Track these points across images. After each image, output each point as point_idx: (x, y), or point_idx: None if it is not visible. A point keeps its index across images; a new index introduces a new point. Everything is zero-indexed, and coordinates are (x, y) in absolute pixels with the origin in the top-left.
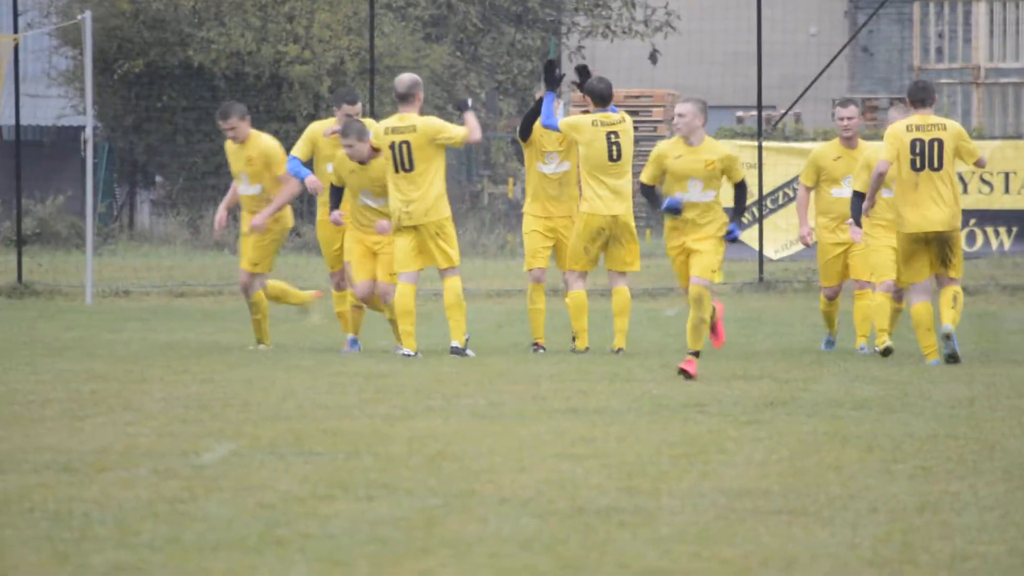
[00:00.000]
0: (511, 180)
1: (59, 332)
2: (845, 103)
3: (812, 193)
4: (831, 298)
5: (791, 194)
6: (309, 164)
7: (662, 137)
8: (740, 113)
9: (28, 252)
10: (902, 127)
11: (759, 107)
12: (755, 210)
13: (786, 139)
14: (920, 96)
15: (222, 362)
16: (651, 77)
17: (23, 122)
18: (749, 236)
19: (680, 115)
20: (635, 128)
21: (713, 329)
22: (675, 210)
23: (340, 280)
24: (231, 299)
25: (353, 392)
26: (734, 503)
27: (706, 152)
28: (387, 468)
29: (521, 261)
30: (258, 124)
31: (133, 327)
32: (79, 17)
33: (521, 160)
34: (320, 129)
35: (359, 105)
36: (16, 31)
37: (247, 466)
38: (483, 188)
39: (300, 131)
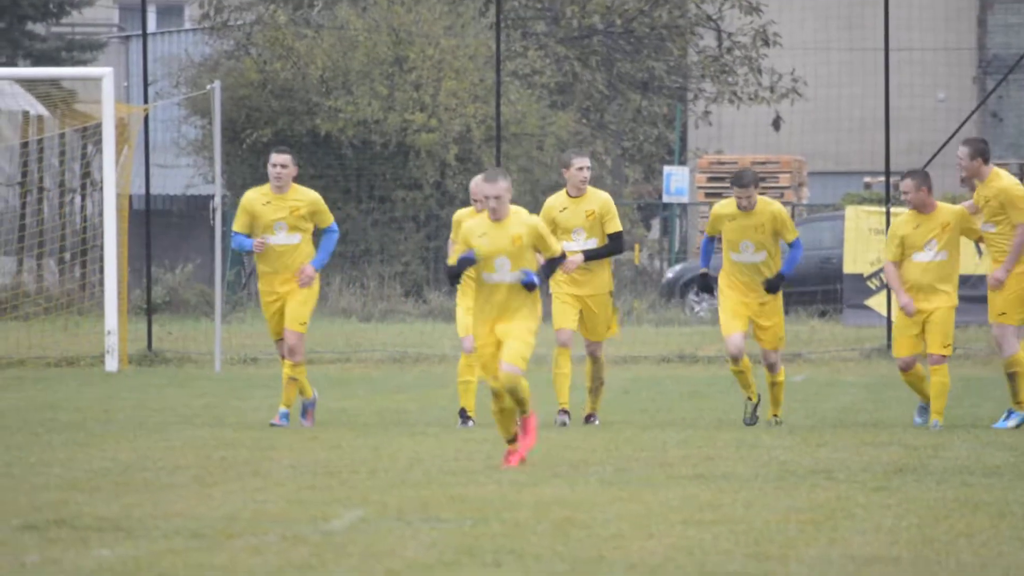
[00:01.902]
0: (637, 246)
1: (189, 399)
2: (904, 176)
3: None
4: (905, 369)
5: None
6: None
7: (789, 204)
8: (868, 179)
9: (158, 320)
10: None
11: (887, 173)
12: (883, 276)
13: None
14: None
15: (349, 429)
16: (777, 143)
17: (153, 191)
18: (877, 302)
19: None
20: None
21: (524, 428)
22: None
23: (284, 349)
24: (358, 366)
25: (480, 458)
26: (863, 570)
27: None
28: (514, 534)
29: (648, 328)
30: (384, 191)
31: (261, 394)
32: (208, 87)
33: (647, 227)
34: (254, 199)
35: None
36: (146, 101)
37: (375, 533)
38: None
39: (427, 199)
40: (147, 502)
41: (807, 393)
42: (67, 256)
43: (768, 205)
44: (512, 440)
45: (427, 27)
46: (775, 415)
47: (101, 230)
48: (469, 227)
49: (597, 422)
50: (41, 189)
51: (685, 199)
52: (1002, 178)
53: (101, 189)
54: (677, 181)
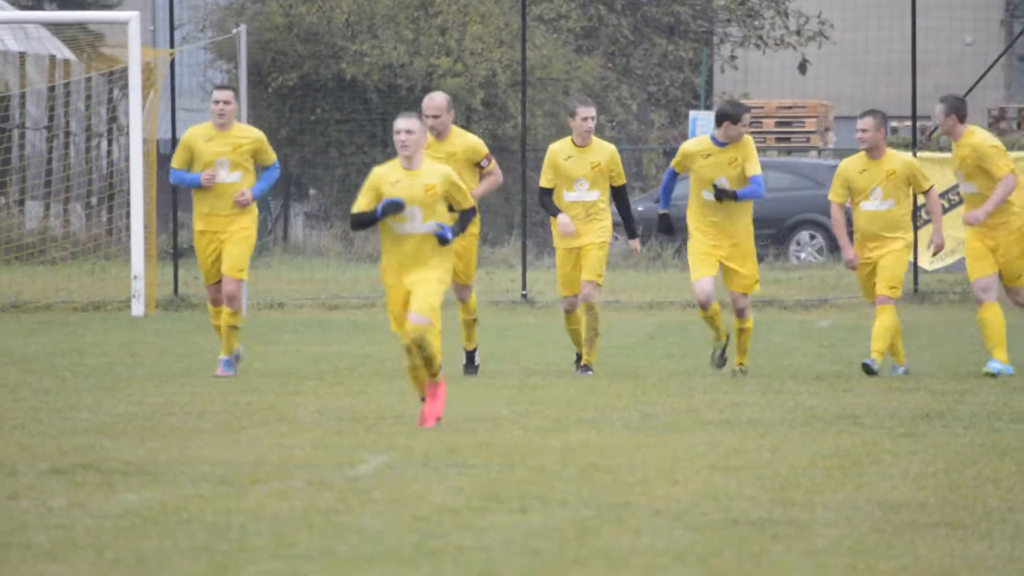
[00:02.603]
0: None
1: (215, 345)
2: (864, 114)
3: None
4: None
5: (946, 205)
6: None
7: (815, 148)
8: (895, 123)
9: (184, 265)
10: None
11: (913, 117)
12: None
13: (940, 149)
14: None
15: (375, 374)
16: (803, 88)
17: (179, 136)
18: None
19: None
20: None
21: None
22: (395, 206)
23: (216, 294)
24: (383, 311)
25: (505, 404)
26: (890, 516)
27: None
28: (540, 480)
29: (674, 272)
30: None
31: (287, 340)
32: (234, 31)
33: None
34: (195, 134)
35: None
36: (172, 45)
37: (401, 478)
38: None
39: None
40: (173, 447)
41: (833, 338)
42: (94, 201)
43: (746, 140)
44: (424, 398)
45: None
46: (741, 364)
47: (127, 175)
48: (380, 174)
49: (591, 372)
50: (68, 133)
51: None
52: (976, 134)
53: (127, 134)
54: (703, 126)
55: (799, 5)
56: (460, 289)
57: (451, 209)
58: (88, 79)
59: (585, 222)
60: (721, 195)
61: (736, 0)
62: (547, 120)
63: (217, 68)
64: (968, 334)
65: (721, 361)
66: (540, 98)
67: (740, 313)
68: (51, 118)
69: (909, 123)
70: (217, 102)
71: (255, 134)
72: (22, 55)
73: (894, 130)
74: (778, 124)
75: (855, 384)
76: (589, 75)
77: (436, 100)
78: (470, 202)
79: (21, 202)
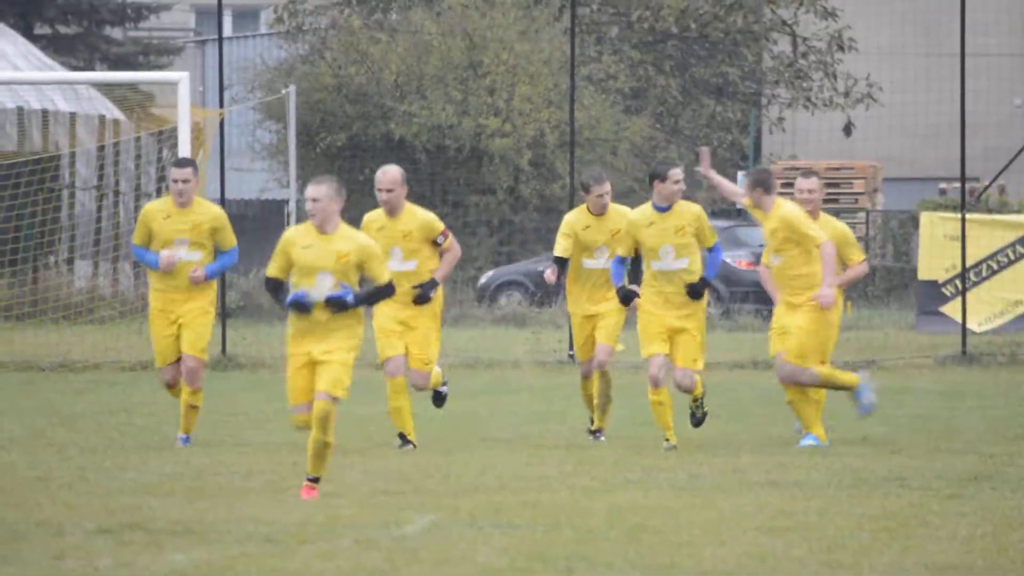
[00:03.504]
0: None
1: (262, 404)
2: (807, 174)
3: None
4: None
5: (995, 267)
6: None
7: (863, 210)
8: (943, 185)
9: (232, 325)
10: None
11: (962, 179)
12: (958, 282)
13: (989, 211)
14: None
15: (422, 433)
16: (851, 149)
17: (228, 195)
18: (952, 308)
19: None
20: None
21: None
22: (302, 306)
23: (168, 376)
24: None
25: (552, 464)
26: None
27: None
28: (587, 540)
29: (720, 333)
30: (458, 196)
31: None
32: (283, 91)
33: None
34: (154, 211)
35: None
36: (222, 105)
37: (447, 538)
38: None
39: (500, 204)
40: (220, 507)
41: (881, 400)
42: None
43: (688, 206)
44: (316, 479)
45: (501, 32)
46: (668, 439)
47: None
48: (290, 237)
49: (603, 439)
50: (117, 193)
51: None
52: (783, 206)
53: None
54: None
55: (848, 67)
56: (416, 375)
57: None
58: (138, 139)
59: (604, 288)
60: (694, 292)
61: (784, 62)
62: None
63: (266, 128)
64: (1017, 396)
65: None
66: (588, 158)
67: (685, 390)
68: (100, 177)
69: (958, 185)
70: (176, 180)
71: (215, 211)
72: (72, 115)
73: (942, 191)
74: (826, 185)
75: (903, 446)
76: (637, 135)
77: (390, 173)
78: (387, 276)
79: (70, 261)
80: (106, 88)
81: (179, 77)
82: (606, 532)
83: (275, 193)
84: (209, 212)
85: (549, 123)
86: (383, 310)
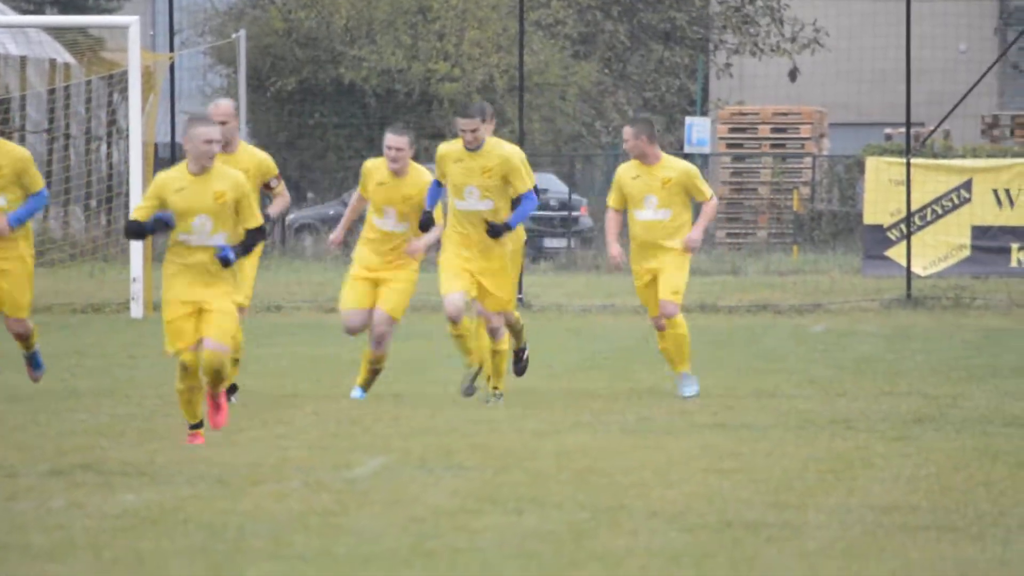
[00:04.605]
0: None
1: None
2: (633, 122)
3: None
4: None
5: (939, 211)
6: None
7: (810, 155)
8: (889, 130)
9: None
10: None
11: (908, 124)
12: (903, 227)
13: (934, 156)
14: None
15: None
16: (799, 95)
17: (178, 139)
18: (897, 252)
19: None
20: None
21: (216, 402)
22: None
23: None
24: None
25: (502, 407)
26: (882, 519)
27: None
28: (536, 482)
29: None
30: None
31: (284, 342)
32: (233, 36)
33: None
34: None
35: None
36: (172, 50)
37: (397, 480)
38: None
39: None
40: (172, 448)
41: (827, 343)
42: (93, 203)
43: (500, 147)
44: (198, 425)
45: None
46: (495, 388)
47: (127, 177)
48: (164, 180)
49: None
50: (67, 136)
51: (707, 150)
52: (677, 160)
53: (127, 137)
54: (699, 132)
55: (794, 13)
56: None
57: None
58: (88, 83)
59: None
60: (494, 232)
61: (732, 7)
62: (544, 125)
63: (216, 72)
64: (960, 338)
65: (471, 389)
66: (537, 103)
67: (492, 334)
68: (51, 121)
69: (903, 130)
70: None
71: (17, 153)
72: (23, 59)
73: (888, 137)
74: (773, 130)
75: (848, 388)
76: (586, 80)
77: (223, 105)
78: (258, 219)
79: None
80: (56, 32)
81: (129, 21)
82: (556, 474)
83: None
84: (12, 154)
85: (498, 68)
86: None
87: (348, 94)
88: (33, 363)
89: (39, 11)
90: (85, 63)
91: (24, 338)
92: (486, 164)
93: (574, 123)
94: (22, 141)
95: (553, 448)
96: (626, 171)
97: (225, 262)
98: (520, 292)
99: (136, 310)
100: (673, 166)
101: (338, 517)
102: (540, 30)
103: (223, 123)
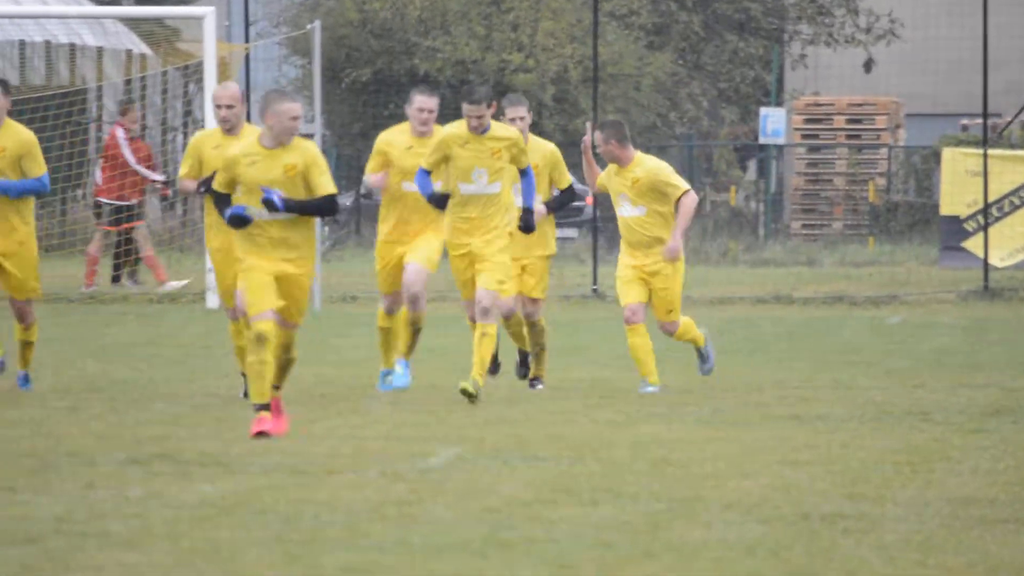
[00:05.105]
0: (733, 188)
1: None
2: (602, 126)
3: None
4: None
5: (1017, 202)
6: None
7: (885, 146)
8: (965, 121)
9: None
10: None
11: (984, 115)
12: (980, 218)
13: (1011, 146)
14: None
15: (447, 367)
16: (874, 85)
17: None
18: (974, 244)
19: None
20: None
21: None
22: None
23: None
24: (453, 304)
25: (577, 398)
26: (959, 511)
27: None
28: (611, 473)
29: (743, 268)
30: None
31: (361, 332)
32: (308, 27)
33: (744, 168)
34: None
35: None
36: (247, 41)
37: (472, 470)
38: (705, 195)
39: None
40: (248, 438)
41: (903, 335)
42: (169, 194)
43: (504, 129)
44: (265, 406)
45: None
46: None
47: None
48: (236, 157)
49: (541, 386)
50: (143, 127)
51: (781, 140)
52: (647, 158)
53: (202, 127)
54: (773, 122)
55: (870, 3)
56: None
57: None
58: (164, 73)
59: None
60: (528, 227)
61: None
62: (618, 116)
63: (291, 63)
64: None
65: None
66: (611, 94)
67: (483, 314)
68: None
69: (980, 120)
70: None
71: (22, 136)
72: (99, 50)
73: (964, 127)
74: (848, 121)
75: (925, 380)
76: (660, 71)
77: (231, 88)
78: (329, 188)
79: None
80: (133, 23)
81: (205, 12)
82: (630, 465)
83: (301, 127)
84: (17, 136)
85: (572, 59)
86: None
87: (422, 85)
88: (22, 378)
89: (116, 2)
90: (161, 54)
91: (24, 319)
92: (494, 146)
93: (648, 114)
94: (99, 131)
95: (628, 439)
96: (607, 171)
97: (269, 204)
98: (595, 283)
99: (212, 300)
100: (643, 165)
101: (413, 507)
102: (614, 20)
103: (229, 107)
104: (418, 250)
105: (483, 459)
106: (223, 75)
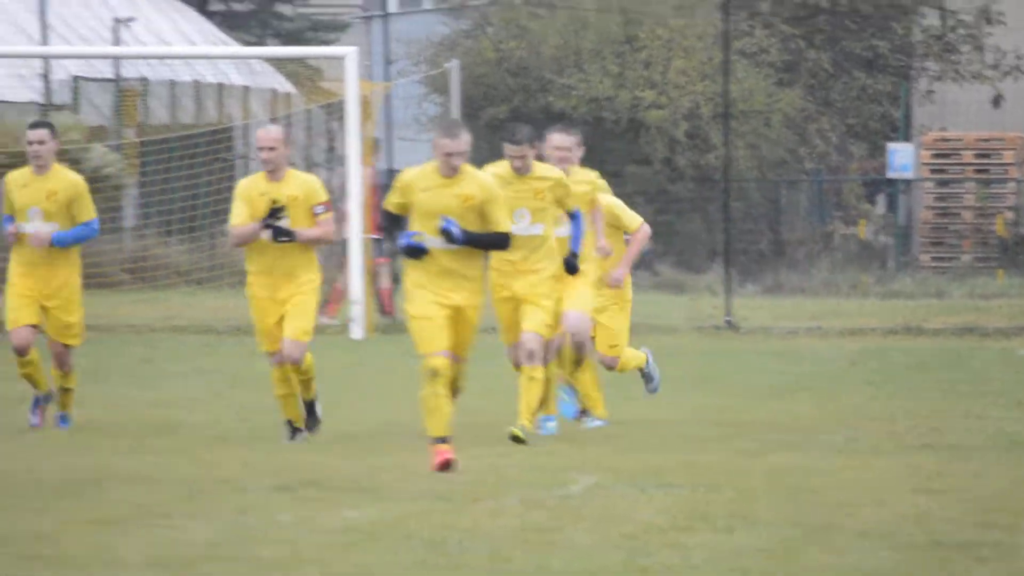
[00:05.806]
0: (862, 221)
1: None
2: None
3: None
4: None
5: None
6: None
7: (1013, 180)
8: None
9: (399, 291)
10: None
11: None
12: None
13: None
14: None
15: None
16: (1001, 121)
17: (396, 166)
18: None
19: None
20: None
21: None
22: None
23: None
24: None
25: (710, 426)
26: None
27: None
28: (746, 500)
29: (874, 300)
30: (616, 166)
31: (503, 362)
32: (446, 65)
33: (872, 202)
34: (12, 179)
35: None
36: (388, 79)
37: (609, 497)
38: (834, 229)
39: (656, 174)
40: (394, 465)
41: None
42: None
43: (548, 170)
44: (443, 439)
45: (656, 7)
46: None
47: (345, 204)
48: (410, 179)
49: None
50: (290, 164)
51: (910, 175)
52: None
53: (345, 164)
54: (902, 157)
55: (996, 40)
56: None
57: (452, 233)
58: (308, 111)
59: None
60: (572, 268)
61: (933, 35)
62: (748, 152)
63: (431, 100)
64: None
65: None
66: (742, 130)
67: (529, 357)
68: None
69: None
70: (32, 142)
71: (71, 179)
72: (246, 88)
73: None
74: (976, 156)
75: None
76: (790, 107)
77: (272, 131)
78: (505, 226)
79: None
80: (277, 62)
81: (347, 52)
82: (765, 492)
83: None
84: (66, 179)
85: (704, 95)
86: None
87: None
88: (60, 418)
89: (261, 43)
90: (305, 92)
91: (62, 365)
92: (538, 186)
93: (778, 149)
94: (245, 168)
95: (762, 467)
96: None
97: (447, 235)
98: (728, 315)
99: (356, 331)
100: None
101: (553, 533)
102: (744, 58)
103: (272, 148)
104: (575, 299)
105: (620, 486)
106: (365, 113)
